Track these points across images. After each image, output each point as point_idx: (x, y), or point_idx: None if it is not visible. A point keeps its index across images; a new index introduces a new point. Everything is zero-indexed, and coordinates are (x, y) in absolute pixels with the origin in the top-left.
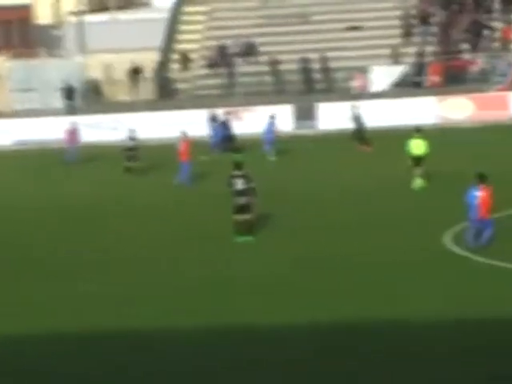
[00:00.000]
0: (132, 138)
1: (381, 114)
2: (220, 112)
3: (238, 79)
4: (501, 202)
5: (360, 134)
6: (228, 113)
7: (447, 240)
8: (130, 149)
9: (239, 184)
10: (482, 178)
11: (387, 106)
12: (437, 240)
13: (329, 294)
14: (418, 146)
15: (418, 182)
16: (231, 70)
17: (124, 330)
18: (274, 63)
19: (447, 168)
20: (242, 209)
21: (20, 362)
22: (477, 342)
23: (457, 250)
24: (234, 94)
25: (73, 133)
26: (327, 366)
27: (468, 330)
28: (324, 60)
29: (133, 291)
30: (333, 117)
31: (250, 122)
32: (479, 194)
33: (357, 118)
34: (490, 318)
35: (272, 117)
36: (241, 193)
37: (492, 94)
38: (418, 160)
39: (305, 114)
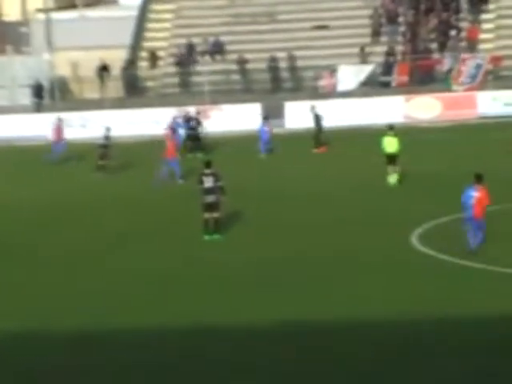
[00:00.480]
0: (106, 137)
1: (348, 114)
2: (192, 111)
3: (206, 77)
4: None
5: (317, 135)
6: (199, 112)
7: (414, 239)
8: (104, 146)
9: (208, 182)
10: (478, 179)
11: (355, 105)
12: (404, 239)
13: (298, 293)
14: (391, 144)
15: (392, 179)
16: (198, 69)
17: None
18: (242, 62)
19: (415, 167)
20: (210, 207)
21: None
22: (450, 342)
23: (424, 249)
24: (202, 92)
25: (58, 129)
26: (299, 367)
27: (442, 329)
28: (291, 59)
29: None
30: (300, 116)
31: (217, 120)
32: (476, 195)
33: (316, 119)
34: (460, 316)
35: (265, 118)
36: (209, 191)
37: (460, 94)
38: (391, 158)
39: (272, 113)
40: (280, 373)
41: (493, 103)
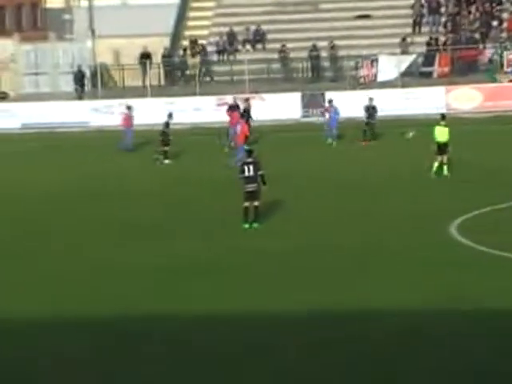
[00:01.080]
0: (167, 123)
1: (389, 104)
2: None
3: (247, 66)
4: (506, 193)
5: (370, 128)
6: (247, 99)
7: (454, 230)
8: (165, 133)
9: (249, 171)
10: None
11: (395, 95)
12: (444, 230)
13: (334, 281)
14: (442, 134)
15: (443, 169)
16: (239, 57)
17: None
18: (283, 51)
19: (456, 157)
20: (251, 195)
21: None
22: (488, 333)
23: (463, 240)
24: (243, 81)
25: (128, 117)
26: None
27: (479, 319)
28: (333, 48)
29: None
30: (341, 105)
31: (258, 109)
32: None
33: (372, 111)
34: (498, 307)
35: (330, 101)
36: (250, 179)
37: (500, 85)
38: (442, 147)
39: (313, 102)
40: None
41: None
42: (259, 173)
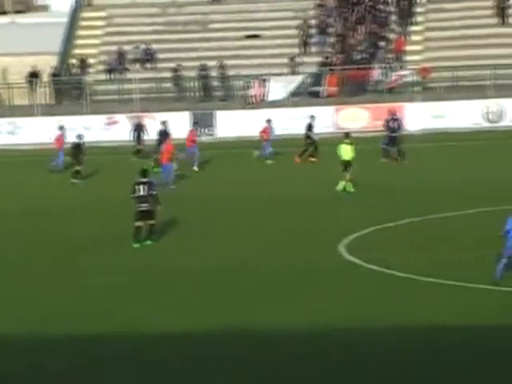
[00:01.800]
0: (78, 145)
1: (278, 123)
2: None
3: (137, 85)
4: (395, 212)
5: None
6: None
7: (342, 248)
8: (76, 154)
9: (142, 191)
10: None
11: (285, 115)
12: (333, 248)
13: (219, 301)
14: (346, 152)
15: (347, 186)
16: (129, 76)
17: None
18: (173, 70)
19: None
20: (142, 215)
21: None
22: (374, 348)
23: (351, 258)
24: (132, 100)
25: (61, 137)
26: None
27: (367, 336)
28: (223, 68)
29: None
30: (230, 124)
31: (148, 128)
32: None
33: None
34: (384, 324)
35: (269, 120)
36: (143, 199)
37: (388, 105)
38: (346, 165)
39: (203, 122)
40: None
41: (422, 115)
42: (152, 193)
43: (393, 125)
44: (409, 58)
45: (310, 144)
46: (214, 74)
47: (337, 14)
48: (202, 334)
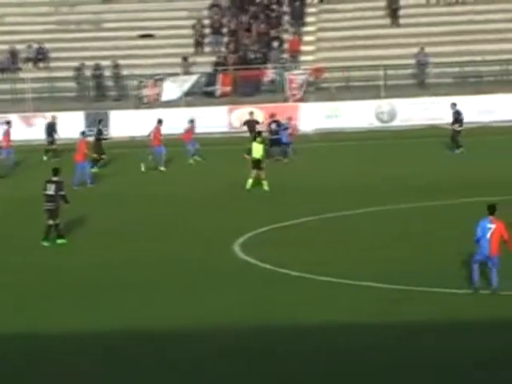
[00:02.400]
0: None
1: (173, 123)
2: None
3: (29, 84)
4: (290, 211)
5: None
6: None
7: (237, 248)
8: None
9: (50, 190)
10: (491, 209)
11: (179, 114)
12: (227, 248)
13: (110, 300)
14: (257, 150)
15: (263, 185)
16: (21, 75)
17: None
18: (76, 69)
19: (236, 177)
20: (49, 213)
21: None
22: (269, 345)
23: (245, 257)
24: (25, 99)
25: (8, 134)
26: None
27: (257, 335)
28: (116, 67)
29: None
30: (125, 124)
31: (41, 127)
32: (492, 227)
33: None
34: (282, 322)
35: (191, 121)
36: (50, 198)
37: (283, 105)
38: (257, 163)
39: (96, 121)
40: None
41: (315, 115)
42: (60, 193)
43: (273, 127)
44: (303, 58)
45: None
46: (107, 73)
47: (230, 14)
48: (97, 332)
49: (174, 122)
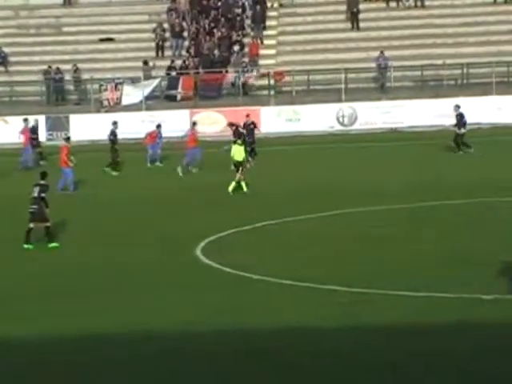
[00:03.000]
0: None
1: (133, 127)
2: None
3: None
4: (256, 213)
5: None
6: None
7: (199, 252)
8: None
9: (34, 192)
10: None
11: (140, 118)
12: (190, 251)
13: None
14: (238, 153)
15: (242, 186)
16: None
17: None
18: (45, 72)
19: (199, 180)
20: (32, 216)
21: None
22: (234, 348)
23: (207, 261)
24: None
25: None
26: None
27: (220, 338)
28: (76, 71)
29: None
30: (85, 128)
31: (0, 132)
32: None
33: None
34: (248, 325)
35: (158, 125)
36: (33, 201)
37: (244, 109)
38: (238, 165)
39: (57, 125)
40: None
41: (277, 119)
42: (41, 195)
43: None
44: (263, 62)
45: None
46: (67, 77)
47: (190, 18)
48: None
49: (135, 126)
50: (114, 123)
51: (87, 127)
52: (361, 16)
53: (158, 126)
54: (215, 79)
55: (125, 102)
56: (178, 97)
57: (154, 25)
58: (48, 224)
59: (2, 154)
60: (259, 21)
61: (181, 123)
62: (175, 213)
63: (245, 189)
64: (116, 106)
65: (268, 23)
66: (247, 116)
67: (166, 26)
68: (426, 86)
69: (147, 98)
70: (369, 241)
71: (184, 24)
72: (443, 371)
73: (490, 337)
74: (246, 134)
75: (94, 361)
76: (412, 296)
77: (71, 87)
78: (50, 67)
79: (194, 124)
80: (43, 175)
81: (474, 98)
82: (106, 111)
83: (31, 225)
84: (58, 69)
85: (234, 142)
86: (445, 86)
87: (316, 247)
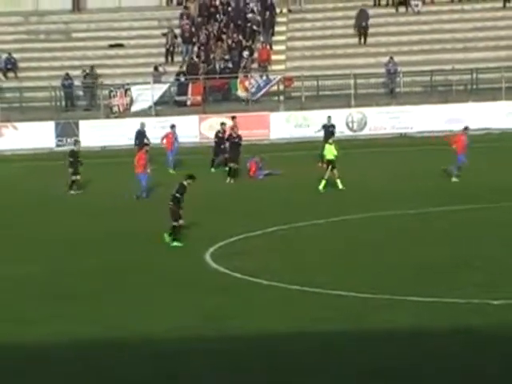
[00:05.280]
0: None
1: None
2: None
3: None
4: (267, 219)
5: None
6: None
7: (208, 257)
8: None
9: (174, 190)
10: None
11: (150, 124)
12: (199, 257)
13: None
14: (330, 151)
15: (337, 183)
16: None
17: None
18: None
19: (214, 185)
20: (171, 213)
21: None
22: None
23: (216, 266)
24: None
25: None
26: None
27: (229, 345)
28: (87, 77)
29: None
30: (94, 134)
31: (10, 138)
32: None
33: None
34: (253, 329)
35: (173, 126)
36: (171, 198)
37: (253, 114)
38: (330, 163)
39: (66, 131)
40: None
41: (286, 124)
42: (176, 194)
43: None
44: (273, 67)
45: None
46: (77, 83)
47: (200, 24)
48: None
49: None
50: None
51: (97, 133)
52: (370, 21)
53: (173, 127)
54: (224, 85)
55: (134, 107)
56: (188, 102)
57: (165, 30)
58: (175, 223)
59: (12, 160)
60: (268, 27)
61: (190, 129)
62: (185, 218)
63: (340, 186)
64: (125, 112)
65: (277, 29)
66: (232, 122)
67: (176, 31)
68: (435, 92)
69: (157, 103)
70: (378, 246)
71: (194, 30)
72: (450, 376)
73: (499, 342)
74: (228, 148)
75: (107, 362)
76: (420, 301)
77: (81, 93)
78: (67, 74)
79: (173, 127)
80: (189, 176)
81: (484, 103)
82: (116, 117)
83: (180, 222)
84: (67, 74)
85: (326, 142)
86: (454, 92)
87: (325, 252)
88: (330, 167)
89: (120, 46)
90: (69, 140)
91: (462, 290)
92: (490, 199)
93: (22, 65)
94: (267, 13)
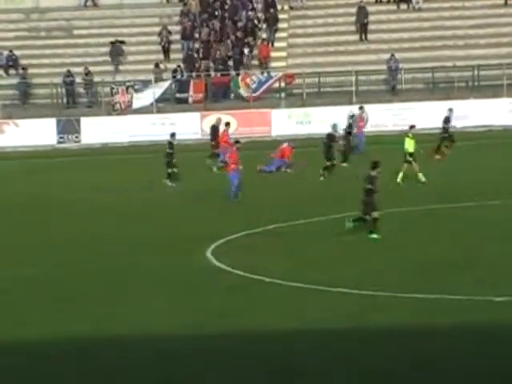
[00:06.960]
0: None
1: (145, 130)
2: None
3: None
4: (267, 216)
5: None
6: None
7: (209, 255)
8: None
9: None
10: None
11: (151, 121)
12: (201, 254)
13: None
14: (410, 144)
15: (418, 176)
16: None
17: None
18: (68, 76)
19: (203, 184)
20: (363, 205)
21: None
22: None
23: (218, 264)
24: None
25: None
26: None
27: (235, 342)
28: (88, 74)
29: None
30: (96, 131)
31: (11, 135)
32: None
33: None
34: (256, 327)
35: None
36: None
37: (255, 111)
38: (411, 156)
39: (68, 128)
40: None
41: (287, 121)
42: (367, 186)
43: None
44: (274, 64)
45: (445, 138)
46: (78, 80)
47: (201, 21)
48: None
49: (146, 128)
50: (172, 135)
51: (98, 130)
52: (371, 18)
53: (227, 125)
54: (225, 82)
55: (135, 104)
56: (190, 100)
57: (165, 27)
58: (366, 217)
59: (13, 158)
60: (271, 23)
61: (192, 126)
62: (186, 215)
63: (423, 179)
64: (127, 109)
65: (278, 26)
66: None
67: (177, 28)
68: (437, 88)
69: (158, 100)
70: (379, 243)
71: (194, 27)
72: (454, 374)
73: (501, 339)
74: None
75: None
76: (422, 298)
77: (82, 90)
78: (69, 71)
79: (227, 124)
80: (374, 166)
81: (485, 100)
82: (118, 114)
83: (374, 214)
84: (68, 71)
85: (406, 135)
86: (455, 88)
87: (326, 250)
88: (407, 160)
89: (121, 42)
90: (70, 137)
91: (464, 287)
92: (491, 196)
93: (23, 62)
94: (271, 10)
